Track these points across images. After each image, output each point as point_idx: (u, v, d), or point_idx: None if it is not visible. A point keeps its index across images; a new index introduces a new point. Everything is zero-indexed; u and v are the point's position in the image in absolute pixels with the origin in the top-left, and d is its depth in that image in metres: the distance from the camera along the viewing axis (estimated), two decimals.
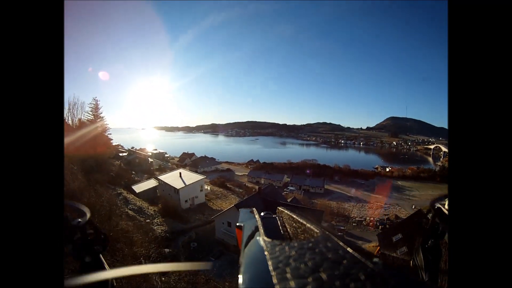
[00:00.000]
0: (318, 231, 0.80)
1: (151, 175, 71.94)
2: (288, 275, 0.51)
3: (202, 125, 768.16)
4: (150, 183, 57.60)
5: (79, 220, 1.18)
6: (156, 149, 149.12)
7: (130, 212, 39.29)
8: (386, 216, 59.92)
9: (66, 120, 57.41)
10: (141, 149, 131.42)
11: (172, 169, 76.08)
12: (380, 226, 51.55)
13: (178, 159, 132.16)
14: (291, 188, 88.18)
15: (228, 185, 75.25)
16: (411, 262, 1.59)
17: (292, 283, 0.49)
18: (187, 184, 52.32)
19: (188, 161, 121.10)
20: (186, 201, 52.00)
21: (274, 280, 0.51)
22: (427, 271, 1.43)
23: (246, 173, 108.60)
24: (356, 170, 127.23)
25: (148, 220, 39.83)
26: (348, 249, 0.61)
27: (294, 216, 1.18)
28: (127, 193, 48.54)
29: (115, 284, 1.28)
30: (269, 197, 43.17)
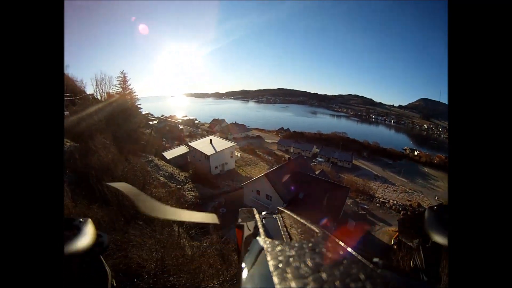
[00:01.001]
0: (318, 231, 0.83)
1: (181, 141, 72.69)
2: (289, 275, 0.53)
3: (232, 91, 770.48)
4: (181, 150, 58.12)
5: (79, 220, 1.14)
6: (186, 116, 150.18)
7: (161, 178, 40.25)
8: (409, 203, 58.01)
9: (95, 95, 58.86)
10: (171, 116, 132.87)
11: (202, 136, 76.50)
12: (402, 212, 50.46)
13: (208, 125, 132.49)
14: (320, 159, 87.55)
15: (258, 152, 75.06)
16: (411, 262, 1.57)
17: (292, 283, 0.50)
18: (217, 150, 52.40)
19: (219, 127, 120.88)
20: (216, 167, 52.37)
21: (275, 280, 0.52)
22: (427, 271, 1.43)
23: (276, 141, 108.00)
24: (385, 148, 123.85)
25: (179, 186, 40.55)
26: (348, 249, 0.62)
27: (294, 216, 1.23)
28: (158, 160, 49.36)
29: (115, 284, 1.28)
30: (298, 168, 43.23)
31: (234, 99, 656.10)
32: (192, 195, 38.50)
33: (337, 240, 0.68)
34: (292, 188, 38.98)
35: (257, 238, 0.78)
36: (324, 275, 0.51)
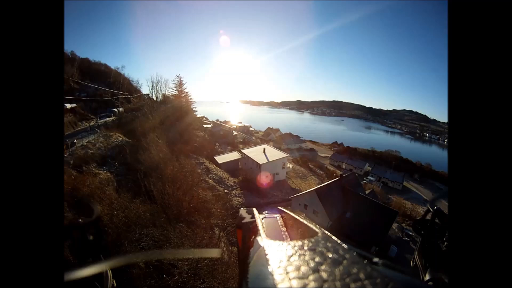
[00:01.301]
0: (318, 231, 0.82)
1: (234, 147, 73.29)
2: (289, 275, 0.53)
3: (288, 101, 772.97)
4: (233, 156, 58.35)
5: (79, 220, 1.22)
6: (241, 122, 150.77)
7: (210, 181, 40.83)
8: None
9: (150, 96, 62.82)
10: (225, 122, 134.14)
11: (256, 144, 77.07)
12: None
13: (262, 133, 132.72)
14: (371, 178, 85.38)
15: (310, 165, 73.68)
16: (411, 262, 1.65)
17: (293, 283, 0.50)
18: (269, 160, 51.82)
19: (273, 136, 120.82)
20: (266, 176, 51.34)
21: (275, 280, 0.52)
22: (427, 271, 1.45)
23: (329, 155, 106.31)
24: (437, 171, 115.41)
25: (227, 191, 40.68)
26: (348, 248, 0.62)
27: (295, 216, 1.23)
28: (209, 163, 50.07)
29: (115, 284, 1.32)
30: (349, 186, 42.15)
31: (290, 109, 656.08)
32: (238, 201, 38.35)
33: (337, 240, 0.68)
34: (340, 206, 37.92)
35: (257, 238, 0.83)
36: (324, 275, 0.51)
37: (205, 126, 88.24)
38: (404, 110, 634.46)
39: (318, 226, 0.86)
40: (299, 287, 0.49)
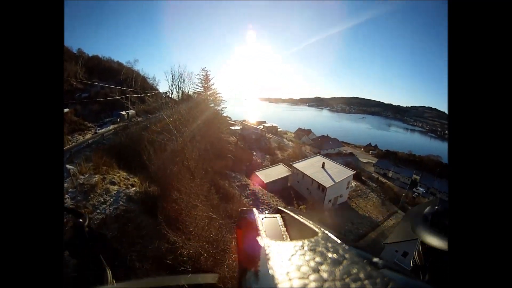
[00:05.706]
0: (318, 231, 0.84)
1: (271, 155, 61.82)
2: (289, 275, 0.54)
3: (306, 98, 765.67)
4: (279, 171, 45.73)
5: (79, 220, 1.23)
6: (265, 122, 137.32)
7: None
8: None
9: (170, 95, 48.01)
10: (245, 121, 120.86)
11: (301, 153, 66.11)
12: None
13: (293, 134, 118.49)
14: (421, 189, 72.70)
15: (363, 177, 60.09)
16: (411, 262, 1.64)
17: (293, 283, 0.52)
18: (336, 181, 39.42)
19: (306, 139, 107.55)
20: (329, 201, 39.91)
21: (275, 280, 0.53)
22: (427, 271, 1.48)
23: (370, 161, 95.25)
24: None
25: None
26: (348, 248, 0.63)
27: (295, 216, 1.23)
28: (253, 184, 37.88)
29: (115, 283, 1.33)
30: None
31: (309, 106, 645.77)
32: None
33: (337, 240, 0.70)
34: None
35: (257, 238, 0.83)
36: (324, 275, 0.52)
37: (233, 128, 74.28)
38: (423, 107, 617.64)
39: (318, 226, 0.89)
40: (300, 287, 0.49)
